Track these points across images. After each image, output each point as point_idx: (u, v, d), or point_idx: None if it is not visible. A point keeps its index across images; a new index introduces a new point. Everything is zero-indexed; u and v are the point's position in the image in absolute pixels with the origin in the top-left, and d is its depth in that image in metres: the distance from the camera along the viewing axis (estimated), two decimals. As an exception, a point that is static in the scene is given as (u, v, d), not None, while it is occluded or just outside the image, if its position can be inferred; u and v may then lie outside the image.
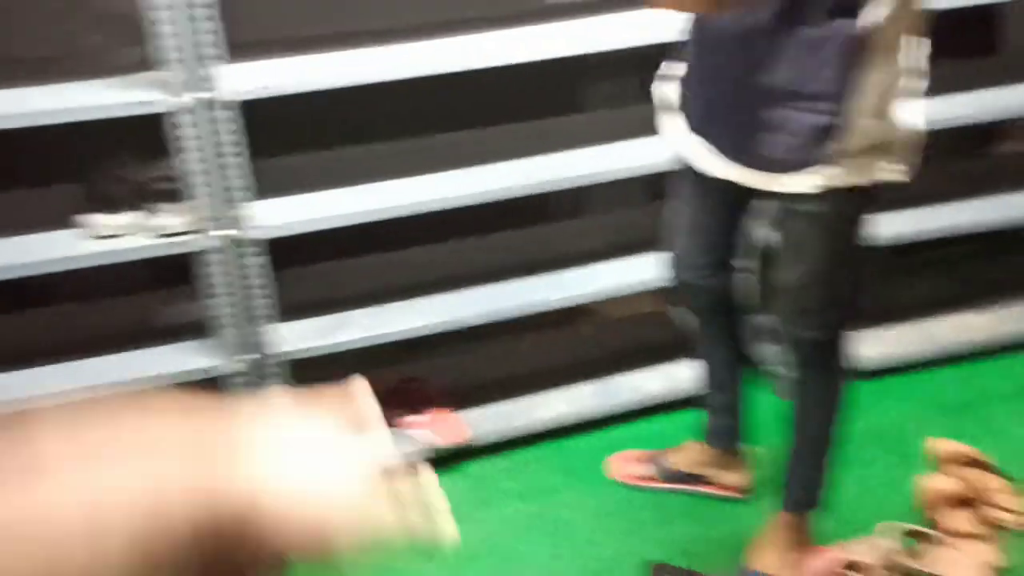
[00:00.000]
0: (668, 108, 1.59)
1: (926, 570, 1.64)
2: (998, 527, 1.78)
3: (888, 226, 2.07)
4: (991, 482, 1.87)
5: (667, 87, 1.59)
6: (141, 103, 1.65)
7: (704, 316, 1.83)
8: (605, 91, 2.31)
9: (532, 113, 2.27)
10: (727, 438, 1.97)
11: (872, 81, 1.33)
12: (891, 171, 1.41)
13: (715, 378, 1.93)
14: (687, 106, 1.54)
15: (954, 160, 2.67)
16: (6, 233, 1.79)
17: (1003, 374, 2.27)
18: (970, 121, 2.12)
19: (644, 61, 1.74)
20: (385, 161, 2.04)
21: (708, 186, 1.55)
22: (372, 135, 2.17)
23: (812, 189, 1.40)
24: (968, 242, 2.33)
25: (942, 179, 2.39)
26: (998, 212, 2.24)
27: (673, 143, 1.58)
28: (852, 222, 1.47)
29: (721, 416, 1.95)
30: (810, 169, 1.39)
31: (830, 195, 1.40)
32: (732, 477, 1.98)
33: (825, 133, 1.36)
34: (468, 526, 1.93)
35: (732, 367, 1.90)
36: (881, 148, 1.39)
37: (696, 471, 1.99)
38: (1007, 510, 1.81)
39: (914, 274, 2.63)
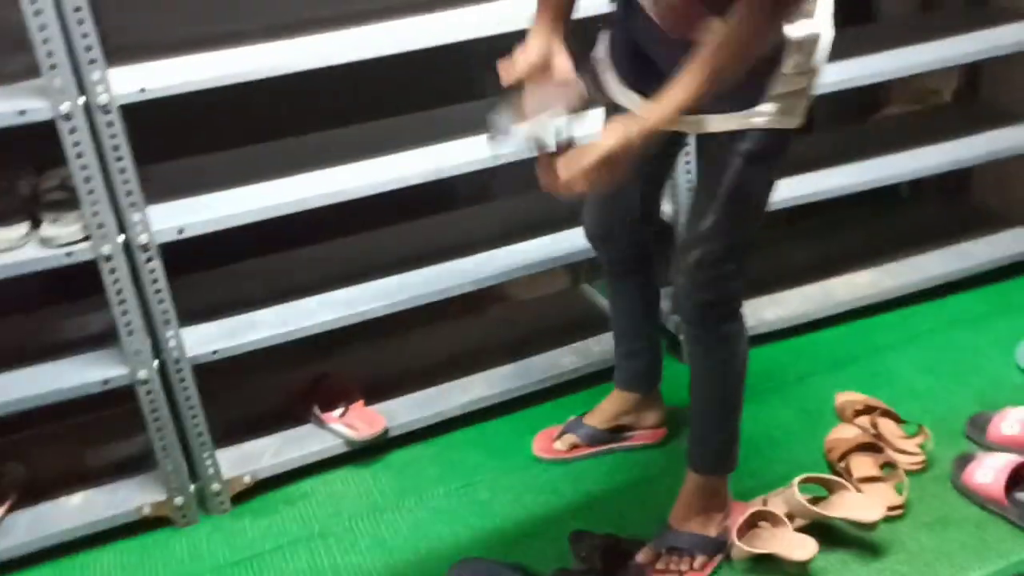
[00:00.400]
0: (602, 63, 1.65)
1: (834, 515, 1.71)
2: (897, 468, 1.86)
3: (781, 192, 2.14)
4: (888, 426, 1.96)
5: (600, 46, 1.65)
6: (20, 112, 1.60)
7: (618, 267, 1.92)
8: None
9: (427, 103, 2.28)
10: (642, 381, 2.04)
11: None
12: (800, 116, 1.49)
13: (627, 323, 2.00)
14: (617, 58, 1.61)
15: (837, 127, 2.78)
16: None
17: (891, 326, 2.38)
18: (851, 86, 2.20)
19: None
20: (276, 160, 2.03)
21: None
22: (262, 134, 2.15)
23: (739, 126, 1.47)
24: (852, 204, 2.43)
25: (827, 145, 2.50)
26: (877, 173, 2.34)
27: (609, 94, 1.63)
28: (769, 167, 1.54)
29: (635, 359, 2.01)
30: (738, 112, 1.46)
31: (754, 136, 1.48)
32: (651, 419, 2.05)
33: (753, 85, 1.42)
34: (394, 515, 1.98)
35: (644, 312, 1.99)
36: (798, 95, 1.47)
37: (617, 424, 2.05)
38: (905, 452, 1.90)
39: (805, 238, 2.73)
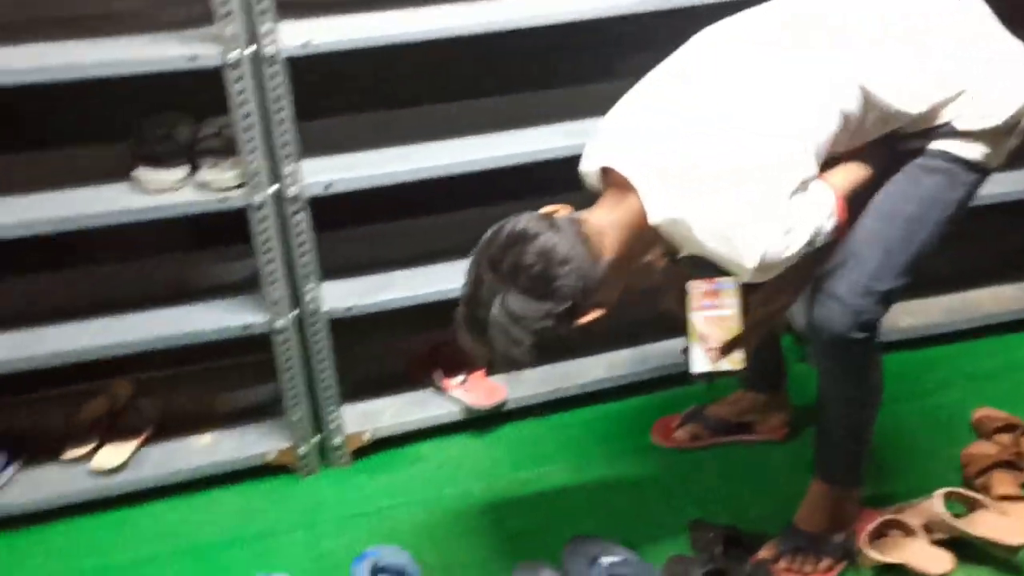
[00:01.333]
0: None
1: (972, 532, 1.64)
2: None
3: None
4: (1031, 446, 1.87)
5: None
6: (191, 57, 1.65)
7: None
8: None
9: (575, 79, 2.27)
10: (765, 382, 1.99)
11: None
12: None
13: None
14: None
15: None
16: (57, 188, 1.80)
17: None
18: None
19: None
20: (428, 124, 2.04)
21: None
22: (415, 98, 2.17)
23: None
24: (1005, 213, 2.32)
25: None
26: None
27: None
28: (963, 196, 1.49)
29: (756, 360, 1.95)
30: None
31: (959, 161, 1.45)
32: (776, 420, 2.01)
33: None
34: (508, 486, 1.98)
35: None
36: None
37: (740, 419, 2.01)
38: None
39: (950, 245, 2.61)
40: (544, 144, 1.95)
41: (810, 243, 1.40)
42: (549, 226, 1.37)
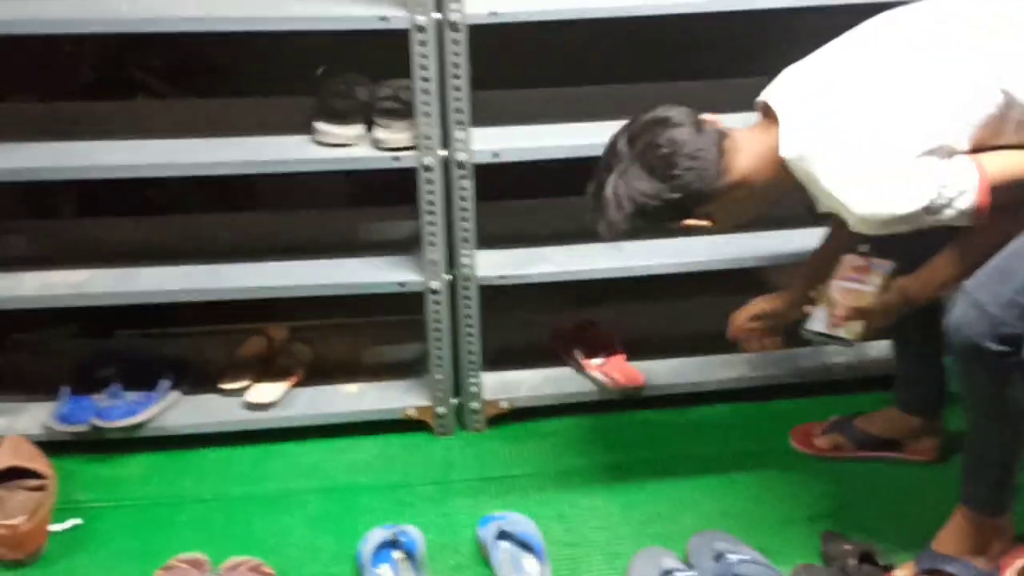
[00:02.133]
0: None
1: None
2: None
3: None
4: None
5: None
6: (381, 18, 1.71)
7: None
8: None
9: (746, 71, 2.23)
10: (922, 407, 1.91)
11: None
12: None
13: (908, 345, 1.88)
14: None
15: None
16: (243, 134, 1.91)
17: None
18: None
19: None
20: (605, 104, 2.05)
21: None
22: (598, 76, 2.18)
23: None
24: None
25: None
26: None
27: None
28: None
29: (914, 384, 1.89)
30: None
31: None
32: (927, 443, 1.92)
33: None
34: (638, 471, 1.96)
35: (924, 335, 1.82)
36: None
37: (888, 436, 1.94)
38: None
39: None
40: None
41: (931, 210, 1.40)
42: (693, 123, 1.50)
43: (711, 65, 2.24)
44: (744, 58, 2.23)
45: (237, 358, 2.18)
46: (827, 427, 1.99)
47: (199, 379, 2.14)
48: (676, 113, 1.50)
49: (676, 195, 1.48)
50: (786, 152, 1.47)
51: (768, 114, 1.53)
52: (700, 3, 1.81)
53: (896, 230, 1.44)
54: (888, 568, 1.64)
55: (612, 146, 1.53)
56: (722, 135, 1.51)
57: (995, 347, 1.39)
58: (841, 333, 1.56)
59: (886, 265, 1.54)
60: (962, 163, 1.41)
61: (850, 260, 1.56)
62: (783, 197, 1.60)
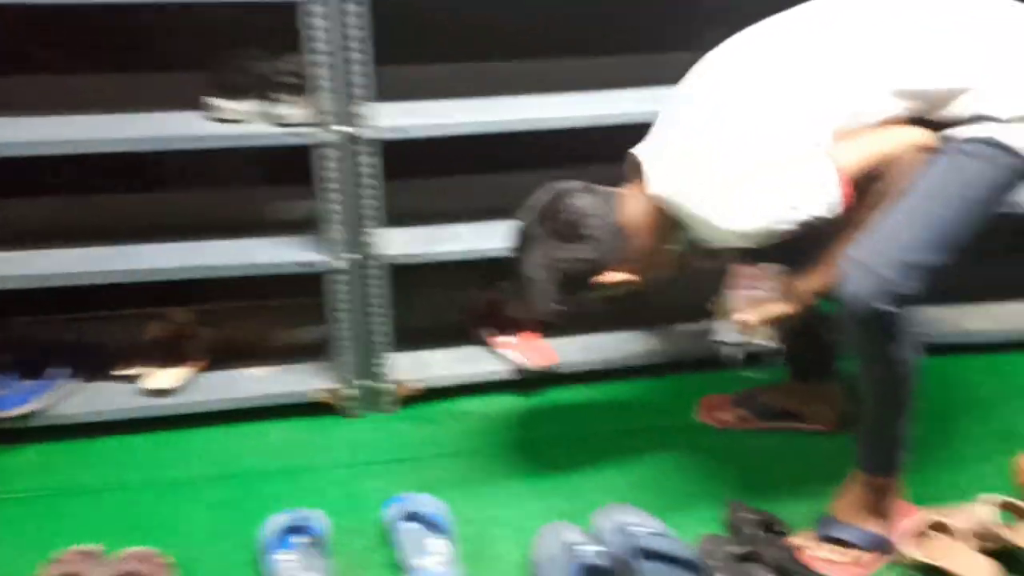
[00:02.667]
0: None
1: (1020, 544, 1.58)
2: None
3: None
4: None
5: None
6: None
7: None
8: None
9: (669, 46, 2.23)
10: (810, 373, 1.96)
11: None
12: None
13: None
14: None
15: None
16: (136, 110, 1.85)
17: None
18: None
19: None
20: (515, 80, 2.04)
21: None
22: (506, 52, 2.16)
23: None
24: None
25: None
26: None
27: None
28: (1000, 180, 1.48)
29: (800, 350, 1.92)
30: None
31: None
32: (825, 412, 1.96)
33: None
34: (549, 448, 1.98)
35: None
36: None
37: (789, 407, 1.97)
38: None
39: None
40: (619, 108, 1.93)
41: (798, 214, 1.45)
42: (587, 190, 1.63)
43: (621, 40, 2.24)
44: (651, 33, 2.24)
45: (138, 343, 2.12)
46: (733, 400, 2.02)
47: (98, 365, 2.07)
48: (572, 185, 1.63)
49: (593, 254, 1.59)
50: (654, 191, 1.58)
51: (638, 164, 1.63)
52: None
53: (773, 240, 1.50)
54: (788, 535, 1.67)
55: (521, 231, 1.63)
56: (614, 194, 1.63)
57: (891, 308, 1.43)
58: (749, 339, 1.61)
59: (775, 268, 1.60)
60: (820, 164, 1.46)
61: (742, 270, 1.61)
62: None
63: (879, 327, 1.46)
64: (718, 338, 1.63)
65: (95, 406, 1.97)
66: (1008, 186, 1.49)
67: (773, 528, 1.68)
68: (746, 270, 1.60)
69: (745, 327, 1.59)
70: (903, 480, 1.67)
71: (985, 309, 2.29)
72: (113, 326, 2.21)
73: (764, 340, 1.59)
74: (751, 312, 1.58)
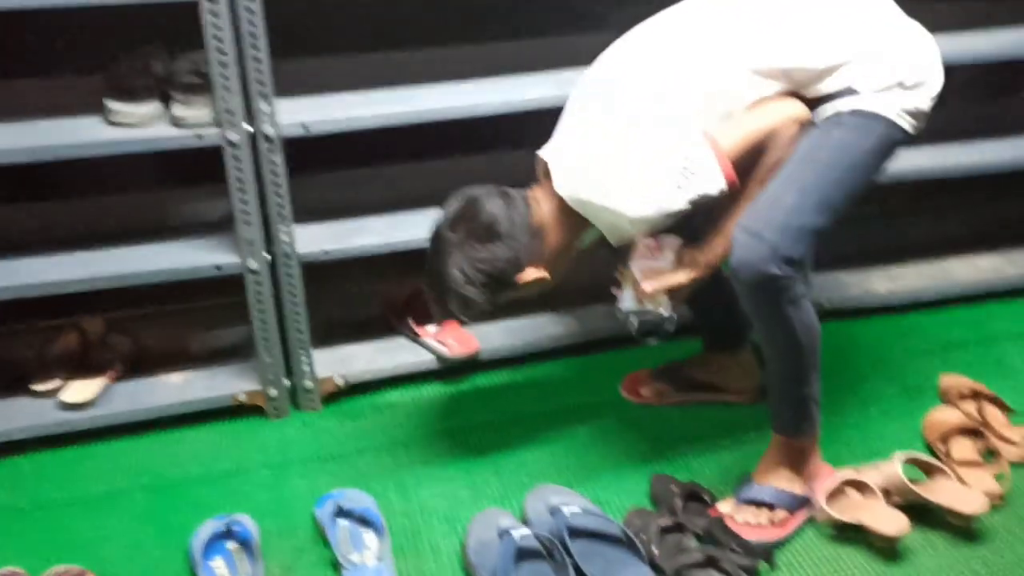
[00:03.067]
0: None
1: (930, 498, 1.66)
2: (1000, 457, 1.79)
3: (908, 163, 2.05)
4: (995, 414, 1.89)
5: None
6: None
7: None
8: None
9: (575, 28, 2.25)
10: (723, 342, 2.01)
11: None
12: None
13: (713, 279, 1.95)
14: None
15: (980, 101, 2.64)
16: (24, 118, 1.78)
17: (1011, 315, 2.29)
18: (995, 59, 2.10)
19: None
20: (415, 69, 2.02)
21: None
22: (405, 41, 2.14)
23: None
24: (984, 184, 2.32)
25: (963, 120, 2.37)
26: (1013, 153, 2.23)
27: None
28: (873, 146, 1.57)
29: (710, 320, 1.98)
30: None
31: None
32: (743, 382, 2.02)
33: None
34: (477, 434, 2.00)
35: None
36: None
37: (707, 379, 2.02)
38: (1009, 441, 1.83)
39: (929, 215, 2.63)
40: (527, 94, 1.93)
41: (689, 196, 1.53)
42: (501, 194, 1.65)
43: (524, 25, 2.24)
44: (555, 18, 2.25)
45: (48, 356, 2.06)
46: (653, 375, 2.06)
47: (8, 382, 2.01)
48: (482, 190, 1.66)
49: (511, 253, 1.62)
50: (560, 191, 1.62)
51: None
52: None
53: (670, 221, 1.59)
54: (713, 504, 1.72)
55: (437, 238, 1.65)
56: (525, 196, 1.66)
57: (778, 271, 1.50)
58: (650, 307, 1.65)
59: (673, 240, 1.66)
60: (700, 146, 1.53)
61: (642, 241, 1.66)
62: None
63: (770, 290, 1.53)
64: (620, 305, 1.68)
65: (7, 424, 1.91)
66: (881, 151, 1.59)
67: (698, 498, 1.73)
68: (646, 242, 1.65)
69: (644, 296, 1.64)
70: (817, 440, 1.73)
71: (887, 271, 2.37)
72: (23, 340, 2.14)
73: (661, 309, 1.65)
74: (649, 282, 1.63)
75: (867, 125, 1.56)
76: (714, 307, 1.93)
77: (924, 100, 1.59)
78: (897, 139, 1.58)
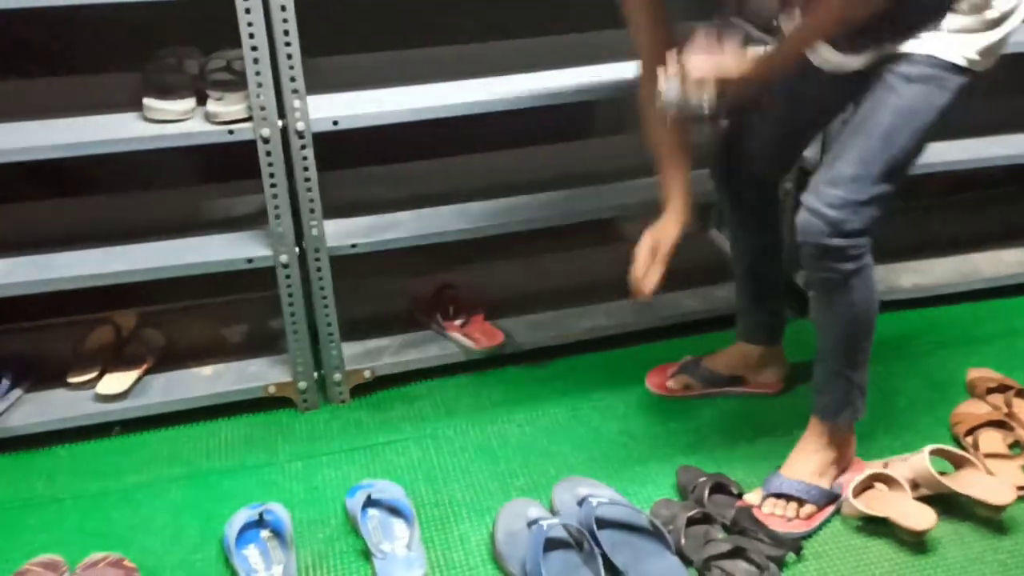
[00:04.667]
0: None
1: (958, 489, 1.66)
2: (1028, 450, 1.80)
3: (937, 156, 2.05)
4: (1022, 406, 1.88)
5: None
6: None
7: (737, 212, 1.91)
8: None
9: (590, 24, 2.26)
10: (762, 334, 2.01)
11: None
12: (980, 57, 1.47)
13: (747, 273, 1.96)
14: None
15: (1010, 94, 2.61)
16: (68, 115, 1.82)
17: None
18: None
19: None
20: (439, 65, 2.04)
21: (804, 88, 1.66)
22: (429, 38, 2.16)
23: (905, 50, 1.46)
24: (1012, 178, 2.32)
25: (997, 112, 2.36)
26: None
27: None
28: (928, 99, 1.48)
29: (754, 312, 1.99)
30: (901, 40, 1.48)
31: (920, 60, 1.47)
32: (770, 375, 2.02)
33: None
34: (504, 427, 2.01)
35: (765, 263, 1.94)
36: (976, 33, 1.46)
37: (734, 372, 2.03)
38: (1037, 434, 1.83)
39: (956, 208, 2.63)
40: (552, 88, 1.95)
41: None
42: None
43: (549, 22, 2.26)
44: (575, 13, 2.26)
45: (83, 349, 2.10)
46: (677, 368, 2.07)
47: (44, 375, 2.05)
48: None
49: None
50: None
51: None
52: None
53: None
54: (740, 495, 1.73)
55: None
56: None
57: (843, 241, 1.50)
58: (693, 99, 1.56)
59: (736, 35, 1.57)
60: None
61: (704, 32, 1.57)
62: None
63: (837, 258, 1.52)
64: (663, 95, 1.57)
65: (46, 415, 1.95)
66: (954, 104, 1.49)
67: (726, 489, 1.74)
68: (708, 32, 1.56)
69: (691, 85, 1.53)
70: (853, 432, 1.73)
71: (912, 265, 2.37)
72: (59, 334, 2.18)
73: (704, 101, 1.55)
74: (700, 68, 1.52)
75: (945, 78, 1.46)
76: (769, 297, 1.94)
77: (1005, 33, 1.47)
78: (973, 86, 1.48)
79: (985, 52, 1.47)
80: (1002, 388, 1.94)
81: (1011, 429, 1.83)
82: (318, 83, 1.88)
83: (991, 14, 1.46)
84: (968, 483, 1.68)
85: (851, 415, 1.71)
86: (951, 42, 1.46)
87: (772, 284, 1.97)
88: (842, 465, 1.73)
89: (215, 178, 2.19)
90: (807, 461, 1.72)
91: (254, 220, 1.99)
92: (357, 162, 2.21)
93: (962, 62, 1.46)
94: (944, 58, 1.46)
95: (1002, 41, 1.49)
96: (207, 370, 2.10)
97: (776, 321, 2.00)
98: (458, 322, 2.19)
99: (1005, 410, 1.88)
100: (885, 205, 1.52)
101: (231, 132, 1.78)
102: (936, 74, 1.46)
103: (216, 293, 2.28)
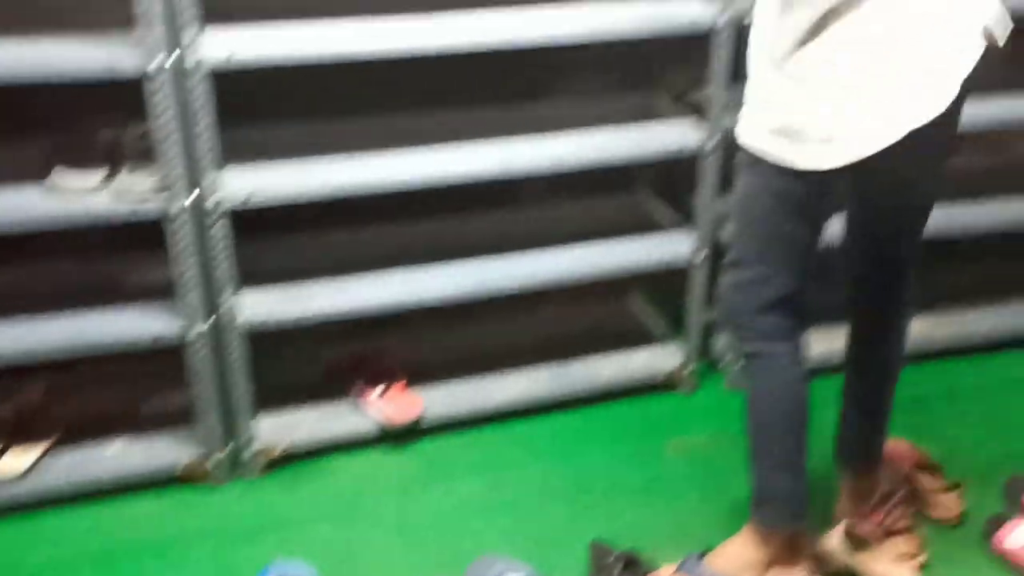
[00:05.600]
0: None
1: (857, 566, 1.69)
2: (931, 522, 1.84)
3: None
4: (928, 480, 1.93)
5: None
6: (109, 69, 1.64)
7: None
8: (583, 79, 2.33)
9: (511, 96, 2.29)
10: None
11: None
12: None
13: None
14: None
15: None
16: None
17: (938, 377, 2.35)
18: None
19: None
20: (354, 137, 2.05)
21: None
22: (346, 109, 2.17)
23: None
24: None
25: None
26: (947, 221, 2.30)
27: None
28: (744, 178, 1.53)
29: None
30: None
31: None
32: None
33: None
34: (419, 502, 1.98)
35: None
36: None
37: None
38: (939, 504, 1.88)
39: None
40: (465, 163, 1.97)
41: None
42: None
43: (470, 94, 2.28)
44: (496, 87, 2.29)
45: (-17, 423, 2.02)
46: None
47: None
48: None
49: None
50: None
51: None
52: (423, 46, 1.85)
53: None
54: (649, 571, 1.73)
55: None
56: None
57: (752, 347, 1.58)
58: None
59: None
60: None
61: None
62: None
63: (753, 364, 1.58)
64: None
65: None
66: (785, 187, 1.43)
67: (635, 565, 1.75)
68: None
69: None
70: (778, 534, 1.66)
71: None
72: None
73: None
74: None
75: (759, 163, 1.45)
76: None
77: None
78: (797, 173, 1.39)
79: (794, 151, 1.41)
80: (911, 461, 1.97)
81: (914, 504, 1.86)
82: (235, 152, 1.87)
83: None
84: (869, 559, 1.70)
85: (760, 514, 1.66)
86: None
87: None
88: (763, 562, 1.67)
89: (129, 247, 2.14)
90: (731, 551, 1.69)
91: (167, 291, 1.96)
92: (278, 229, 2.19)
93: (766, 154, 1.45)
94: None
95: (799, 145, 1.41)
96: (115, 446, 2.04)
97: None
98: (378, 390, 2.17)
99: (910, 485, 1.91)
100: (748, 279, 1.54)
101: (138, 210, 1.75)
102: (753, 160, 1.47)
103: (127, 362, 2.21)
